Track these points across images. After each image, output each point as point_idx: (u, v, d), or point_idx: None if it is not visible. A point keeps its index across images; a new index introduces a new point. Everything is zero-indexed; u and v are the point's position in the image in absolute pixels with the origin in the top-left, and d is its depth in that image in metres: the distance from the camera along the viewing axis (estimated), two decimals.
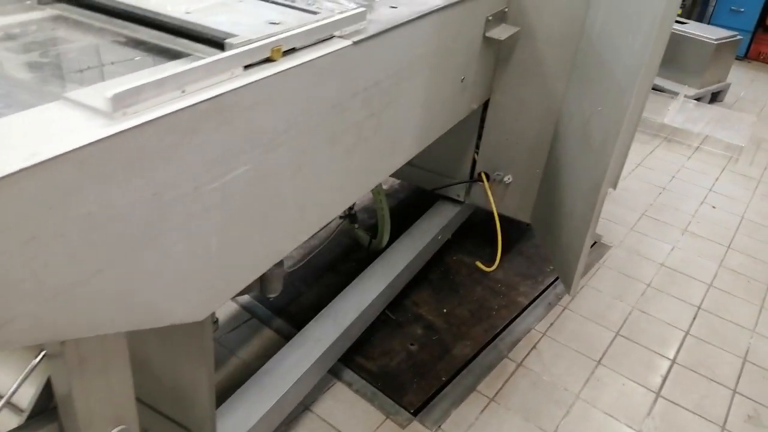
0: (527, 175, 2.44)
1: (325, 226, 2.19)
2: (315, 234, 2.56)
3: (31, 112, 0.82)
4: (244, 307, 2.35)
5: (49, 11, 1.18)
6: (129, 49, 1.07)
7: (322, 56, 1.19)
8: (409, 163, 2.70)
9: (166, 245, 0.96)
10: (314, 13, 1.24)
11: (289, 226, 1.30)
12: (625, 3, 1.75)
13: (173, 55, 1.06)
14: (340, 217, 2.07)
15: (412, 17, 1.47)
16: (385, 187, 3.23)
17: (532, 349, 2.31)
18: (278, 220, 1.24)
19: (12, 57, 0.96)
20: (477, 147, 2.53)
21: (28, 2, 1.20)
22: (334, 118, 1.31)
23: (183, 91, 0.91)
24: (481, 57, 2.06)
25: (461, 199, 2.66)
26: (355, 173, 1.51)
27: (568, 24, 2.08)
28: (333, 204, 1.47)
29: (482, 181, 2.54)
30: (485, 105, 2.39)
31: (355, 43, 1.27)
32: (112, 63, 0.99)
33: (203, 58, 0.99)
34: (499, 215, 2.56)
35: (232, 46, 1.01)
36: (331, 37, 1.26)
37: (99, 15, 1.14)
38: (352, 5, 1.56)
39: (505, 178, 2.48)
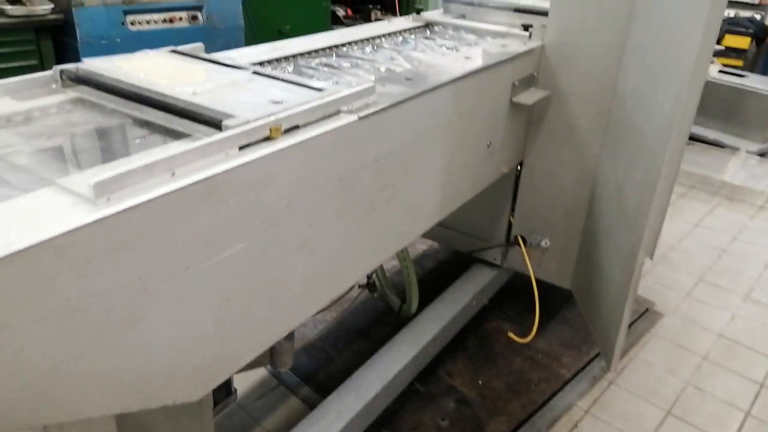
0: (565, 240, 2.34)
1: (344, 296, 2.16)
2: (341, 299, 2.53)
3: (22, 199, 0.85)
4: (272, 374, 2.32)
5: (71, 93, 1.25)
6: (136, 129, 1.10)
7: (325, 132, 1.19)
8: (444, 226, 2.69)
9: (155, 326, 0.95)
10: (320, 90, 1.25)
11: (294, 301, 1.27)
12: (656, 61, 1.69)
13: (176, 135, 1.09)
14: (360, 286, 2.04)
15: (425, 89, 1.46)
16: (423, 247, 3.19)
17: (573, 428, 2.14)
18: (282, 295, 1.22)
19: (22, 141, 1.01)
20: (513, 209, 2.46)
21: (54, 86, 1.27)
22: (343, 191, 1.30)
23: (173, 174, 0.93)
24: (509, 121, 2.03)
25: (498, 262, 2.57)
26: (369, 244, 1.48)
27: (599, 84, 2.03)
28: (344, 276, 1.44)
29: (519, 245, 2.45)
30: (519, 166, 2.34)
31: (360, 118, 1.27)
32: (114, 145, 1.02)
33: (202, 138, 1.02)
34: (539, 281, 2.45)
35: (228, 127, 1.03)
36: (338, 113, 1.27)
37: (114, 97, 1.19)
38: (370, 78, 1.58)
39: (542, 243, 2.39)
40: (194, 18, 4.10)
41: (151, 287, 0.92)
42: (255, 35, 4.60)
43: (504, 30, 2.20)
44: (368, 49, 2.01)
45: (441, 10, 2.59)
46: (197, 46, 1.56)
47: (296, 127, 1.16)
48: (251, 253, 1.09)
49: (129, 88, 1.18)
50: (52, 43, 3.72)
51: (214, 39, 4.22)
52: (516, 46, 2.00)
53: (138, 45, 4.29)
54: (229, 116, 1.06)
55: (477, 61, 1.78)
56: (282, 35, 5.09)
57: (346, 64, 1.78)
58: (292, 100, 1.18)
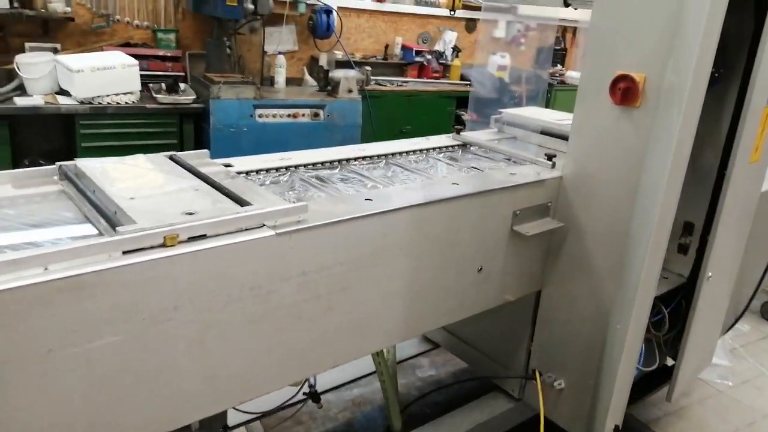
0: (579, 384, 2.12)
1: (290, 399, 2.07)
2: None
3: None
4: None
5: (60, 186, 1.52)
6: (70, 226, 1.32)
7: (232, 244, 1.30)
8: (465, 341, 2.59)
9: (14, 401, 1.10)
10: (245, 204, 1.37)
11: (192, 396, 1.35)
12: (636, 223, 1.56)
13: (99, 234, 1.27)
14: (304, 394, 2.02)
15: (363, 215, 1.51)
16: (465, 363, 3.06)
17: None
18: (172, 388, 1.31)
19: None
20: (532, 339, 2.31)
21: (55, 178, 1.56)
22: (255, 299, 1.38)
23: (45, 269, 1.10)
24: (511, 249, 1.96)
25: (515, 395, 2.40)
26: (299, 351, 1.52)
27: (614, 222, 1.89)
28: (265, 379, 1.49)
29: (535, 380, 2.27)
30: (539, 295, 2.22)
31: (278, 234, 1.36)
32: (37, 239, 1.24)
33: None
34: (554, 424, 2.23)
35: (120, 233, 1.19)
36: (262, 226, 1.38)
37: (79, 194, 1.43)
38: (343, 193, 1.67)
39: (556, 383, 2.19)
40: (316, 115, 4.56)
41: (10, 363, 1.08)
42: (374, 133, 4.94)
43: (531, 157, 2.18)
44: (381, 164, 2.11)
45: (492, 130, 2.63)
46: (201, 153, 1.78)
47: (203, 236, 1.29)
48: (128, 346, 1.21)
49: (88, 189, 1.41)
50: (193, 127, 4.37)
51: (333, 134, 4.64)
52: (525, 175, 1.97)
53: (262, 134, 4.81)
54: (131, 222, 1.23)
55: (461, 189, 1.78)
56: (401, 134, 5.40)
57: (338, 178, 1.90)
58: (208, 212, 1.32)
